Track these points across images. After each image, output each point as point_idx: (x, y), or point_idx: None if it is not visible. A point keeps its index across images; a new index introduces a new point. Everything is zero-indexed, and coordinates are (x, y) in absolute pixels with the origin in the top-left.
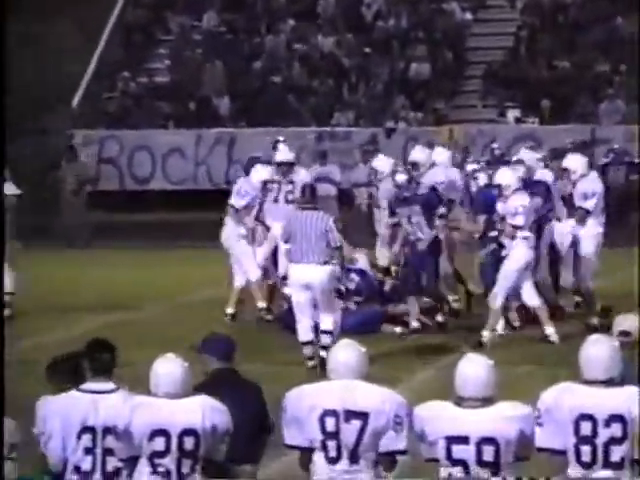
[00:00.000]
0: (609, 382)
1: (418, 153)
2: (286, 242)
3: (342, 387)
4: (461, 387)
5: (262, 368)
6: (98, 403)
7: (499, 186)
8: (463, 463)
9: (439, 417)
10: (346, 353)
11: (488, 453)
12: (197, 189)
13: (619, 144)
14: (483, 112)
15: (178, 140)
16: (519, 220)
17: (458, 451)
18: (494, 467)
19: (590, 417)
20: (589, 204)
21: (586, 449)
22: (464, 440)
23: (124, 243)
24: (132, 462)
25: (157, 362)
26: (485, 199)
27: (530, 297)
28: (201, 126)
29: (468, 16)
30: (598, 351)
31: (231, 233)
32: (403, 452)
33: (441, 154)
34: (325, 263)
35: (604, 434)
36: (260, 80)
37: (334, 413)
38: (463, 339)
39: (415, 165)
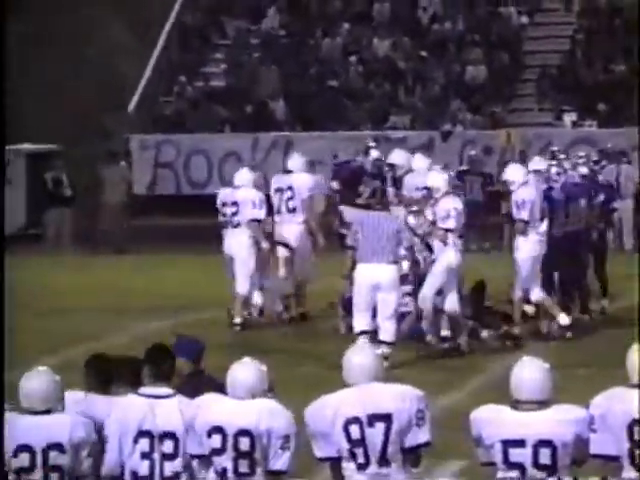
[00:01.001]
0: None
1: (396, 155)
2: (354, 243)
3: (361, 392)
4: (517, 390)
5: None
6: (155, 408)
7: (429, 189)
8: (520, 466)
9: (495, 420)
10: (361, 357)
11: (545, 456)
12: None
13: None
14: (539, 116)
15: (234, 144)
16: (450, 223)
17: (515, 454)
18: (551, 470)
19: None
20: (524, 214)
21: None
22: (521, 443)
23: (180, 247)
24: (204, 461)
25: (234, 366)
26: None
27: (451, 303)
28: (257, 130)
29: (524, 19)
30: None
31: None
32: (427, 444)
33: (420, 160)
34: (394, 263)
35: None
36: (316, 84)
37: (357, 420)
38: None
39: (393, 167)
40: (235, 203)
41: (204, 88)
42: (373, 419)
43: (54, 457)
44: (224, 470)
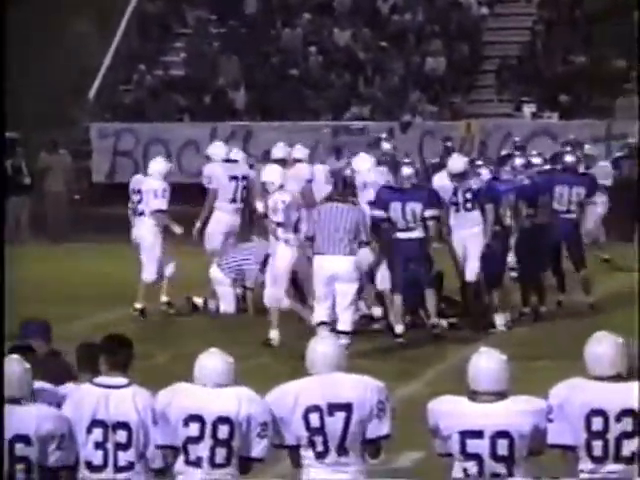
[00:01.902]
0: (617, 377)
1: (278, 150)
2: (312, 234)
3: (322, 381)
4: (475, 381)
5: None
6: (109, 397)
7: (264, 183)
8: (477, 457)
9: (453, 411)
10: (324, 347)
11: (502, 447)
12: None
13: (635, 139)
14: (499, 107)
15: (193, 133)
16: (279, 217)
17: (472, 445)
18: (508, 461)
19: (601, 412)
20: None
21: (597, 444)
22: (478, 434)
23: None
24: (170, 452)
25: (202, 356)
26: (491, 190)
27: (382, 279)
28: (217, 119)
29: (484, 10)
30: (605, 348)
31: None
32: (387, 436)
33: (364, 160)
34: (352, 254)
35: (615, 429)
36: (276, 73)
37: (317, 408)
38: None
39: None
40: (140, 191)
41: (163, 77)
42: (333, 408)
43: (20, 449)
44: (198, 459)
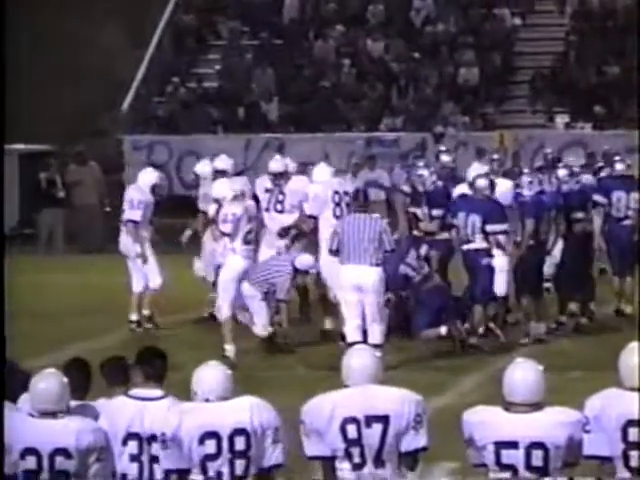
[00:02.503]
0: None
1: (275, 163)
2: (336, 246)
3: (359, 393)
4: (510, 392)
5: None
6: (145, 410)
7: (216, 199)
8: (512, 468)
9: (488, 422)
10: (361, 359)
11: (537, 458)
12: None
13: None
14: (532, 117)
15: (227, 145)
16: (227, 228)
17: (507, 456)
18: (543, 472)
19: (637, 423)
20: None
21: (634, 454)
22: (513, 445)
23: (170, 247)
24: (182, 475)
25: (200, 369)
26: (533, 203)
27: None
28: (250, 131)
29: (517, 21)
30: (638, 359)
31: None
32: (424, 449)
33: (322, 169)
34: (377, 265)
35: None
36: (309, 85)
37: (354, 420)
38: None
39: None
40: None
41: (197, 89)
42: (371, 420)
43: (60, 462)
44: (219, 474)
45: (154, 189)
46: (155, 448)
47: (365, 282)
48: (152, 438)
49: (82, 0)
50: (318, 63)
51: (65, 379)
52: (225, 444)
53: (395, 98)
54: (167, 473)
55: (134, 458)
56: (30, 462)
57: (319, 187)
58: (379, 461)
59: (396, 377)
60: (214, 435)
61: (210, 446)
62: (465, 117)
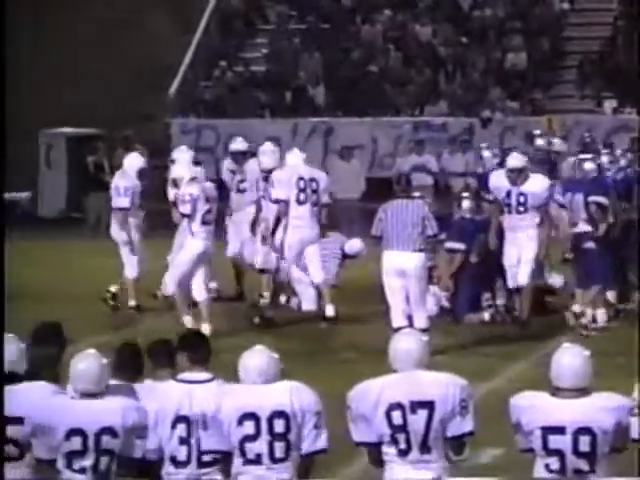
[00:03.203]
0: None
1: (235, 144)
2: (380, 232)
3: (404, 379)
4: (557, 378)
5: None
6: (193, 393)
7: (174, 179)
8: (559, 453)
9: (535, 407)
10: (407, 343)
11: (584, 443)
12: None
13: None
14: (580, 103)
15: (274, 129)
16: (185, 209)
17: (554, 441)
18: (591, 458)
19: None
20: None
21: None
22: (560, 430)
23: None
24: (225, 459)
25: (245, 355)
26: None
27: (198, 292)
28: (297, 116)
29: (566, 5)
30: None
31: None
32: (471, 434)
33: (294, 154)
34: (420, 251)
35: None
36: (357, 70)
37: (399, 406)
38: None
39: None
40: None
41: (244, 73)
42: (416, 406)
43: (106, 441)
44: (258, 456)
45: (140, 174)
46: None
47: (408, 267)
48: (201, 420)
49: None
50: (366, 47)
51: (104, 360)
52: (264, 426)
53: (443, 83)
54: (208, 454)
55: (183, 441)
56: (75, 443)
57: (283, 172)
58: (425, 447)
59: (441, 362)
60: (253, 416)
61: (249, 427)
62: (513, 102)
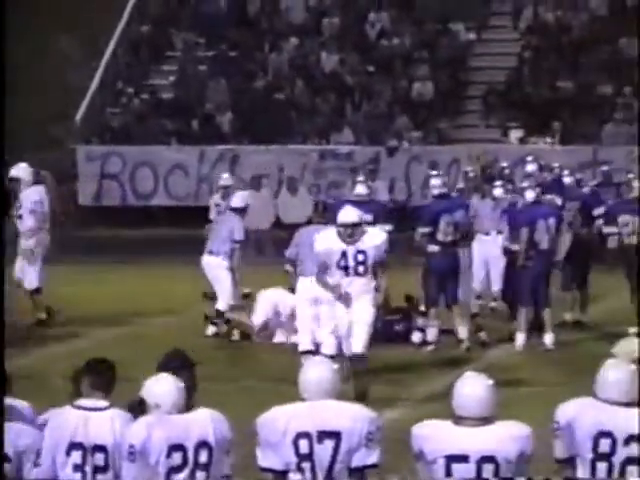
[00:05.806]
0: (629, 404)
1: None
2: (294, 257)
3: (313, 408)
4: (459, 407)
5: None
6: (88, 420)
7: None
8: None
9: (438, 436)
10: (318, 372)
11: (488, 472)
12: (199, 206)
13: (621, 165)
14: (486, 132)
15: (181, 157)
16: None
17: (458, 470)
18: None
19: (609, 434)
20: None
21: (602, 466)
22: (464, 459)
23: (125, 258)
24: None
25: (152, 382)
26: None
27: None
28: (204, 143)
29: (472, 36)
30: (618, 374)
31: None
32: (374, 466)
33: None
34: None
35: (622, 453)
36: (263, 97)
37: (307, 435)
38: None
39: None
40: None
41: (151, 100)
42: (323, 436)
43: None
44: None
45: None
46: (98, 458)
47: (322, 295)
48: (96, 448)
49: (36, 10)
50: (272, 75)
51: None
52: (191, 456)
53: (349, 111)
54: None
55: (77, 468)
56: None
57: None
58: (330, 477)
59: (347, 390)
60: (180, 448)
61: (176, 458)
62: (419, 131)
